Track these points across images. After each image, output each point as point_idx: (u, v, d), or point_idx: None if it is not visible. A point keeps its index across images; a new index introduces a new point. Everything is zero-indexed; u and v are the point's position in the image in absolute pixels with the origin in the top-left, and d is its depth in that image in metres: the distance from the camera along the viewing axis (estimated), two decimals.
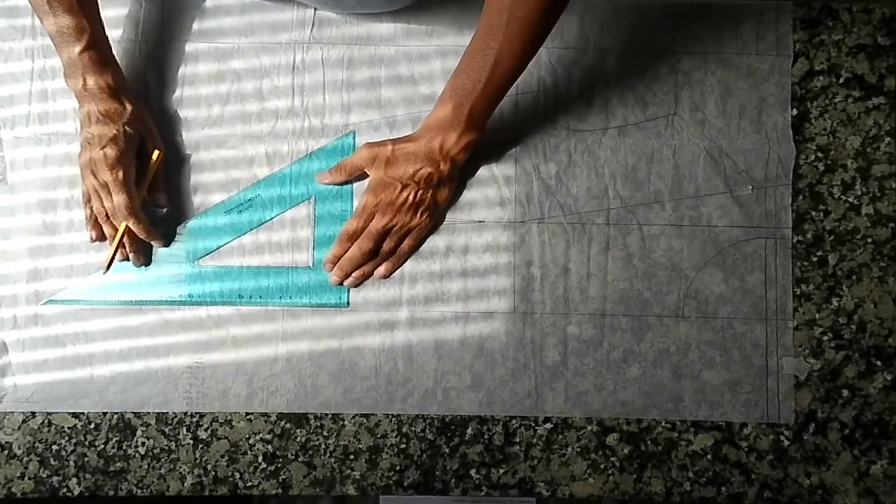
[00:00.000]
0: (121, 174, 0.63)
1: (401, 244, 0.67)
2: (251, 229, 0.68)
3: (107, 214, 0.65)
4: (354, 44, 0.70)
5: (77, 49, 0.61)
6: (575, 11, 0.70)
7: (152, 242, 0.66)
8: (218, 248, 0.68)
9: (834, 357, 0.68)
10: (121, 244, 0.65)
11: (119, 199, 0.63)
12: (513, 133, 0.70)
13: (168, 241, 0.68)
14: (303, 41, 0.70)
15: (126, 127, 0.63)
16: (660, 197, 0.69)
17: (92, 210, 0.65)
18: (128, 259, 0.67)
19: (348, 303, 0.68)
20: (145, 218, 0.64)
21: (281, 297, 0.67)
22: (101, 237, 0.67)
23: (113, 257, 0.66)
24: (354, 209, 0.68)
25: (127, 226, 0.64)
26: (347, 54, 0.70)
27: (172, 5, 0.70)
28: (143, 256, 0.67)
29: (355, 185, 0.68)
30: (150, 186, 0.66)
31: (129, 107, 0.64)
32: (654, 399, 0.67)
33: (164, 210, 0.68)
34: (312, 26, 0.70)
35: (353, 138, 0.69)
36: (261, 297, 0.67)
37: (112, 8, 0.69)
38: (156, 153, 0.66)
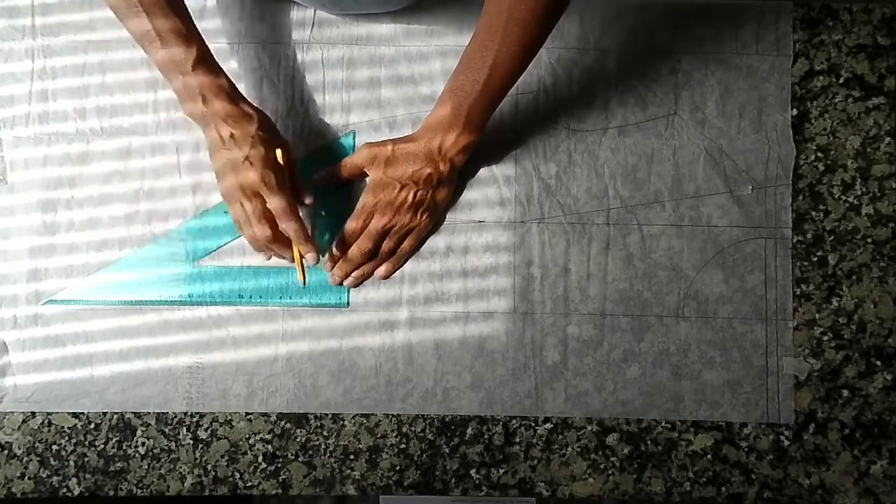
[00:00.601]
0: (272, 179, 0.59)
1: (401, 244, 0.67)
2: None
3: (273, 237, 0.61)
4: (354, 44, 0.70)
5: (190, 60, 0.58)
6: (575, 11, 0.70)
7: (306, 254, 0.61)
8: (218, 248, 0.68)
9: (834, 357, 0.68)
10: (301, 258, 0.62)
11: (276, 203, 0.59)
12: (513, 133, 0.70)
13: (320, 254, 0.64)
14: (303, 41, 0.70)
15: (258, 131, 0.60)
16: (660, 197, 0.69)
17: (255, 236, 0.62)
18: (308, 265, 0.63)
19: (348, 303, 0.68)
20: (302, 222, 0.61)
21: (281, 297, 0.67)
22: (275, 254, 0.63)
23: (302, 266, 0.63)
24: (354, 209, 0.68)
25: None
26: (347, 54, 0.70)
27: None
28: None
29: (355, 184, 0.69)
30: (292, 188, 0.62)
31: (252, 112, 0.60)
32: (654, 399, 0.67)
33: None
34: (312, 26, 0.70)
35: (353, 138, 0.69)
36: (261, 297, 0.67)
37: None
38: (278, 152, 0.61)
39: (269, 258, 0.65)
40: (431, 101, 0.67)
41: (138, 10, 0.57)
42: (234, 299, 0.67)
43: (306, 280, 0.63)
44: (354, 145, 0.69)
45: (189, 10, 0.60)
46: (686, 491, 0.67)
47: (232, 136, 0.59)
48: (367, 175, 0.67)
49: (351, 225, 0.66)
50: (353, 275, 0.67)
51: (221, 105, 0.59)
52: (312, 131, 0.69)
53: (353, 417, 0.67)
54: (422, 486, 0.67)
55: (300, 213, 0.62)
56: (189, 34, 0.58)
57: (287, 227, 0.60)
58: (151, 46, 0.58)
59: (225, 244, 0.68)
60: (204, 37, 0.59)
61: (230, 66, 0.69)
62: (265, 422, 0.67)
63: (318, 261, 0.62)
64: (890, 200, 0.70)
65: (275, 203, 0.60)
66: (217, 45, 0.69)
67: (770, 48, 0.70)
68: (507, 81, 0.61)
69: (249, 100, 0.61)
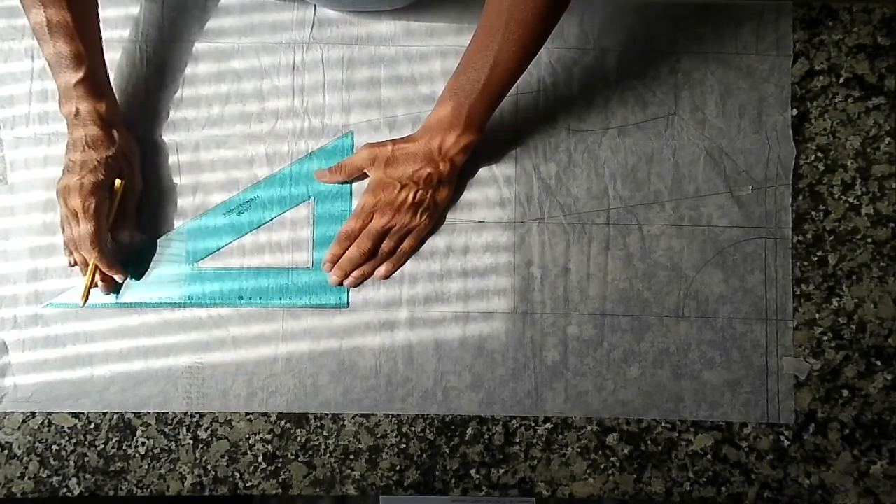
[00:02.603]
0: (92, 204, 0.61)
1: (400, 244, 0.67)
2: (251, 230, 0.68)
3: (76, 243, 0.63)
4: (354, 44, 0.70)
5: (74, 79, 0.61)
6: (575, 11, 0.70)
7: (114, 276, 0.64)
8: (218, 250, 0.68)
9: (834, 357, 0.68)
10: (94, 274, 0.64)
11: (85, 228, 0.61)
12: (513, 133, 0.70)
13: (139, 274, 0.67)
14: (303, 41, 0.70)
15: (109, 158, 0.62)
16: (660, 197, 0.69)
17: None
18: (97, 286, 0.65)
19: (348, 303, 0.68)
20: (108, 251, 0.63)
21: (281, 298, 0.67)
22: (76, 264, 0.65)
23: (89, 288, 0.65)
24: (354, 209, 0.68)
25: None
26: (347, 54, 0.70)
27: (172, 6, 0.70)
28: (113, 284, 0.66)
29: (355, 184, 0.69)
30: (114, 221, 0.64)
31: (117, 138, 0.63)
32: (654, 399, 0.67)
33: (139, 240, 0.67)
34: (312, 26, 0.70)
35: (352, 138, 0.69)
36: (261, 297, 0.67)
37: (113, 8, 0.69)
38: (118, 182, 0.63)
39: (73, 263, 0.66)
40: (431, 101, 0.67)
41: (45, 37, 0.60)
42: (234, 300, 0.67)
43: (86, 301, 0.65)
44: (353, 145, 0.69)
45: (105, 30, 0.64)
46: (686, 491, 0.67)
47: (84, 149, 0.61)
48: (368, 175, 0.67)
49: (351, 225, 0.66)
50: (352, 275, 0.67)
51: (87, 126, 0.62)
52: (312, 131, 0.69)
53: (353, 417, 0.67)
54: (422, 486, 0.67)
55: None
56: (84, 57, 0.61)
57: (85, 255, 0.62)
58: (43, 42, 0.61)
59: (225, 245, 0.68)
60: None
61: (230, 66, 0.69)
62: (265, 422, 0.67)
63: (124, 280, 0.65)
64: (890, 200, 0.70)
65: (82, 229, 0.61)
66: (217, 45, 0.69)
67: (770, 48, 0.70)
68: (507, 81, 0.61)
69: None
